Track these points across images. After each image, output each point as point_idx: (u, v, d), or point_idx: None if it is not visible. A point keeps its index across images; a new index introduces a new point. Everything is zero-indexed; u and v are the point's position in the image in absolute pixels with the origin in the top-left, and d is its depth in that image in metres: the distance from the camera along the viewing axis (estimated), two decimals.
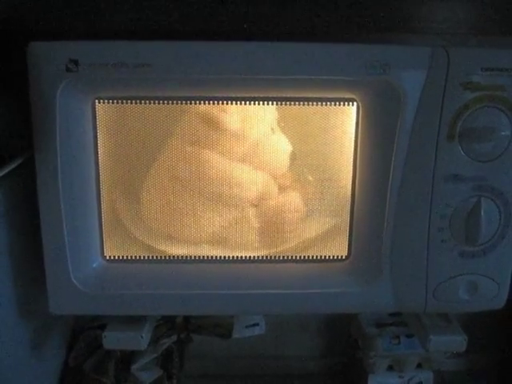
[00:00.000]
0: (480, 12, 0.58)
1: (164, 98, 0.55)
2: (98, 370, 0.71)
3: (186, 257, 0.61)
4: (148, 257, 0.60)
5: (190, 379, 0.83)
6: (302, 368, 0.89)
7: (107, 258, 0.59)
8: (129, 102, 0.55)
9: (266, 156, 0.61)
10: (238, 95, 0.55)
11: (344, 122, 0.57)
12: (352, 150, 0.57)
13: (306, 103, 0.55)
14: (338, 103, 0.55)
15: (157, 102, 0.55)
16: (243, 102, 0.55)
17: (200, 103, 0.55)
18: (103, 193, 0.58)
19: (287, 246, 0.62)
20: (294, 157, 0.61)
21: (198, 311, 0.62)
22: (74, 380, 0.73)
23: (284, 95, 0.55)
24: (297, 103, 0.55)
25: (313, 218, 0.62)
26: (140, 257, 0.60)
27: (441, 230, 0.56)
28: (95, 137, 0.56)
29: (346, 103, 0.55)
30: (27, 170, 0.54)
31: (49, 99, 0.51)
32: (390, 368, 0.80)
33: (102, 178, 0.57)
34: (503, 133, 0.53)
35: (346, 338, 0.86)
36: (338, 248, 0.60)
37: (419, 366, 0.80)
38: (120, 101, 0.55)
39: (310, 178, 0.60)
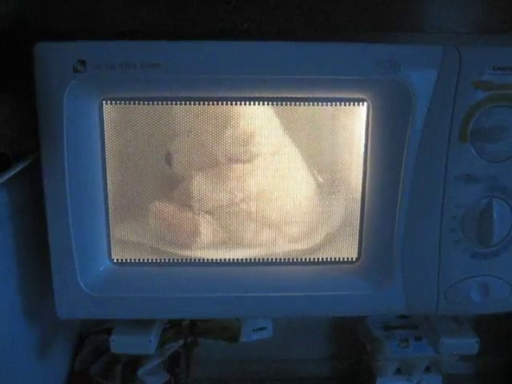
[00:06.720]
0: (491, 10, 0.57)
1: (172, 99, 0.54)
2: (105, 375, 0.70)
3: (194, 260, 0.60)
4: (156, 260, 0.60)
5: (198, 383, 0.82)
6: (310, 371, 0.88)
7: (115, 261, 0.59)
8: (137, 102, 0.54)
9: (274, 157, 0.60)
10: (248, 95, 0.54)
11: (354, 123, 0.56)
12: (362, 150, 0.56)
13: (315, 103, 0.55)
14: (347, 103, 0.55)
15: (165, 102, 0.54)
16: (253, 103, 0.54)
17: (209, 104, 0.54)
18: (110, 195, 0.57)
19: (296, 248, 0.61)
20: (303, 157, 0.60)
21: (206, 314, 0.61)
22: None
23: (294, 95, 0.54)
24: (306, 103, 0.55)
25: (322, 219, 0.61)
26: (148, 260, 0.60)
27: (452, 231, 0.55)
28: (103, 138, 0.55)
29: (356, 103, 0.55)
30: (34, 171, 0.54)
31: (56, 100, 0.50)
32: (398, 371, 0.79)
33: (109, 180, 0.56)
34: None
35: (353, 341, 0.85)
36: (348, 250, 0.60)
37: (428, 369, 0.79)
38: (128, 102, 0.54)
39: (320, 179, 0.60)
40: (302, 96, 0.55)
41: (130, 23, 0.59)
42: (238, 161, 0.59)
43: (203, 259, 0.60)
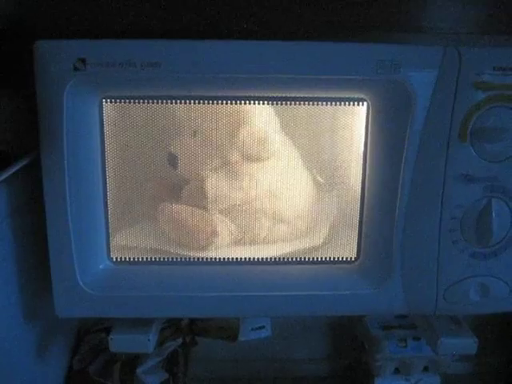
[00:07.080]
0: (491, 11, 0.57)
1: (172, 98, 0.54)
2: (103, 374, 0.70)
3: (193, 259, 0.60)
4: (155, 259, 0.60)
5: (196, 382, 0.82)
6: (308, 371, 0.88)
7: (114, 259, 0.59)
8: (137, 101, 0.54)
9: (276, 155, 0.60)
10: (248, 95, 0.54)
11: (354, 122, 0.57)
12: (362, 150, 0.56)
13: (315, 103, 0.55)
14: (348, 103, 0.55)
15: (165, 101, 0.54)
16: (253, 102, 0.54)
17: (209, 103, 0.54)
18: (110, 194, 0.57)
19: (296, 247, 0.61)
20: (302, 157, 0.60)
21: (205, 313, 0.61)
22: (78, 383, 0.72)
23: (294, 95, 0.54)
24: (306, 103, 0.55)
25: (322, 218, 0.61)
26: (147, 259, 0.60)
27: (452, 231, 0.55)
28: (102, 137, 0.55)
29: (356, 103, 0.55)
30: (33, 170, 0.53)
31: (56, 98, 0.50)
32: (397, 371, 0.79)
33: (108, 178, 0.56)
34: None
35: (352, 340, 0.85)
36: (348, 249, 0.60)
37: (426, 369, 0.80)
38: (128, 100, 0.54)
39: (320, 179, 0.60)
40: (302, 95, 0.55)
41: (131, 22, 0.59)
42: (253, 160, 0.59)
43: (202, 258, 0.60)
